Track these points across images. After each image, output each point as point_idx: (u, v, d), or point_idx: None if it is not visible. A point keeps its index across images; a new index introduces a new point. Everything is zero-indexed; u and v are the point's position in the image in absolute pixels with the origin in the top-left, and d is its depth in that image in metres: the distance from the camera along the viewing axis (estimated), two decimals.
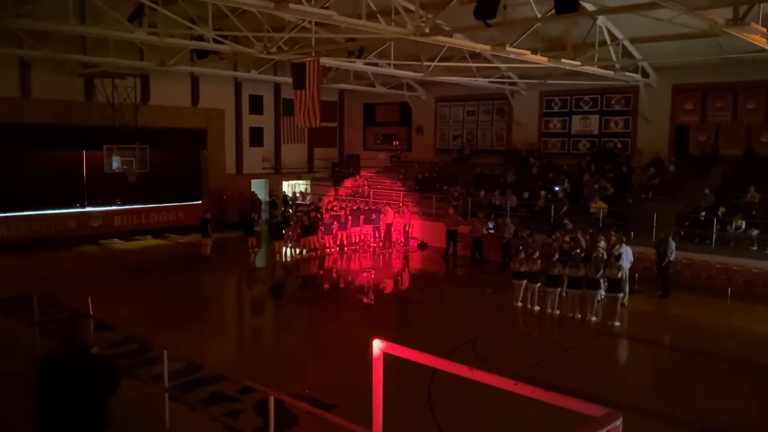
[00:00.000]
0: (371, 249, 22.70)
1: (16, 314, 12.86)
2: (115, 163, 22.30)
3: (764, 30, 11.88)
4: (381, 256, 21.93)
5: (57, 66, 21.55)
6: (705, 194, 18.88)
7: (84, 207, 23.55)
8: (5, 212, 21.29)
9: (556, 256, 14.86)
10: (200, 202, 26.16)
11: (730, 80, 20.33)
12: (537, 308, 14.53)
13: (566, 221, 19.17)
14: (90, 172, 23.61)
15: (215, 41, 16.54)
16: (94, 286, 15.95)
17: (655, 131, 22.35)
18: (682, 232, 18.04)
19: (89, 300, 10.64)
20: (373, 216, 23.15)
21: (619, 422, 2.78)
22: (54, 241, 21.71)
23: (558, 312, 14.24)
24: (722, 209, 17.99)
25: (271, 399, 6.45)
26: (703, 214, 18.14)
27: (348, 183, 28.89)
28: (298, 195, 29.04)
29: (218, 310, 15.95)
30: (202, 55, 18.94)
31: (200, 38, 16.72)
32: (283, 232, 20.89)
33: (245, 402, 8.71)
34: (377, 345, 3.91)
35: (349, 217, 22.53)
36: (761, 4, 11.78)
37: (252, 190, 28.09)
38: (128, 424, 6.95)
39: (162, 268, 19.47)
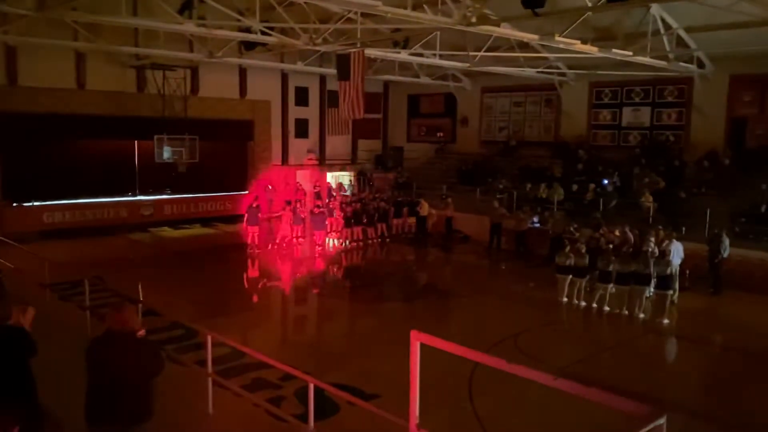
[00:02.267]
0: (411, 241, 22.66)
1: (70, 297, 13.33)
2: (166, 153, 22.84)
3: None
4: (421, 249, 21.86)
5: (110, 58, 22.16)
6: (762, 190, 18.16)
7: (135, 196, 24.20)
8: (61, 200, 22.06)
9: (610, 251, 14.50)
10: (247, 192, 26.58)
11: None
12: (583, 304, 14.26)
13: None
14: (141, 161, 24.23)
15: (262, 33, 16.71)
16: (143, 272, 16.40)
17: (710, 124, 21.59)
18: (737, 229, 17.40)
19: (138, 286, 10.95)
20: (416, 208, 23.12)
21: (662, 421, 2.69)
22: (106, 228, 22.39)
23: (606, 308, 13.93)
24: None
25: (311, 387, 6.51)
26: (764, 208, 17.45)
27: (391, 174, 28.89)
28: (341, 186, 29.17)
29: (262, 299, 16.18)
30: (249, 46, 19.20)
31: (248, 30, 16.93)
32: (327, 222, 21.04)
33: (287, 389, 8.82)
34: (414, 336, 3.89)
35: (391, 209, 22.53)
36: None
37: (297, 180, 28.38)
38: (172, 407, 7.11)
39: (209, 257, 19.87)
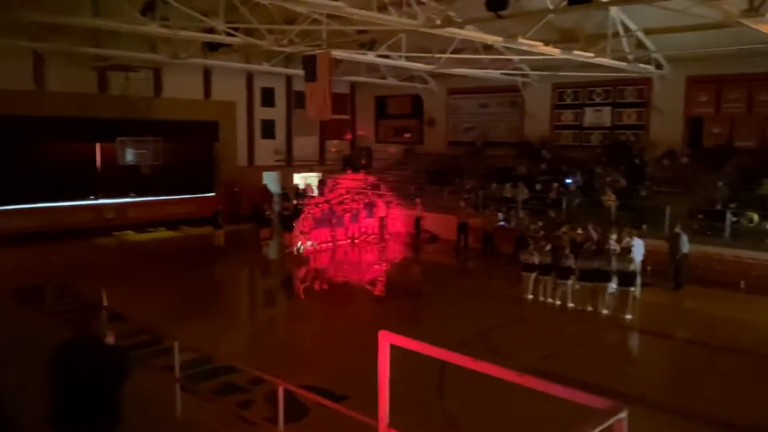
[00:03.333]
0: (381, 241, 22.74)
1: (32, 304, 13.04)
2: (129, 156, 22.49)
3: None
4: (390, 249, 21.95)
5: (70, 59, 21.70)
6: (719, 187, 18.72)
7: (98, 199, 23.77)
8: (20, 204, 21.54)
9: (568, 249, 14.79)
10: (213, 194, 26.33)
11: (745, 72, 20.06)
12: (549, 301, 14.51)
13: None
14: (104, 164, 23.82)
15: (227, 34, 16.57)
16: (107, 277, 16.14)
17: (669, 123, 22.14)
18: (696, 225, 17.91)
19: (103, 291, 10.78)
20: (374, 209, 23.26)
21: (623, 414, 2.79)
22: (68, 233, 21.91)
23: (570, 305, 14.20)
24: (736, 202, 17.84)
25: (281, 390, 6.51)
26: (720, 205, 17.99)
27: (360, 175, 28.94)
28: (308, 187, 29.10)
29: (230, 302, 16.07)
30: (214, 47, 18.96)
31: (212, 31, 16.75)
32: (295, 224, 20.96)
33: (256, 393, 8.80)
34: (383, 337, 3.94)
35: (362, 210, 22.58)
36: None
37: (264, 182, 28.21)
38: (140, 413, 7.03)
39: (175, 260, 19.63)
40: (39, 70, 21.63)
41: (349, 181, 28.36)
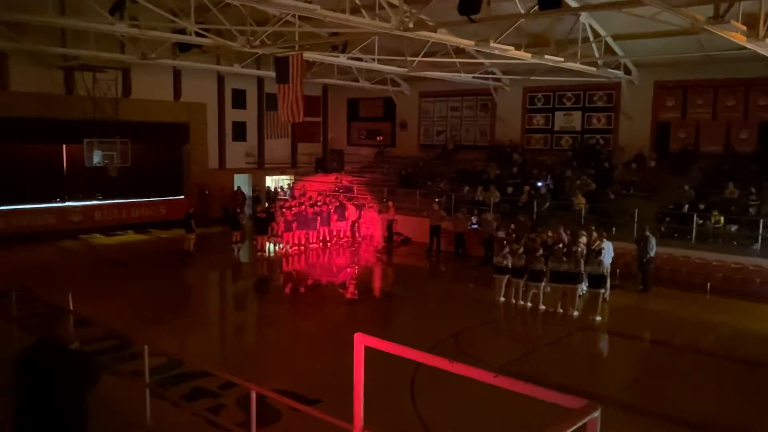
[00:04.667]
0: (353, 244, 22.70)
1: None
2: (96, 158, 22.08)
3: (744, 28, 12.00)
4: (362, 252, 21.92)
5: (36, 58, 21.26)
6: (685, 190, 19.10)
7: (64, 201, 23.31)
8: None
9: (540, 252, 14.93)
10: (182, 196, 26.00)
11: (710, 77, 20.57)
12: (520, 303, 14.62)
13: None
14: (70, 166, 23.36)
15: (197, 35, 16.38)
16: (74, 281, 15.81)
17: (637, 128, 22.55)
18: (663, 228, 18.25)
19: (69, 295, 10.55)
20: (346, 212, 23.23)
21: (597, 414, 2.81)
22: (33, 236, 21.44)
23: (541, 307, 14.33)
24: (702, 206, 18.23)
25: (253, 394, 6.42)
26: (687, 208, 18.35)
27: (332, 177, 28.86)
28: (279, 190, 28.93)
29: (201, 306, 15.86)
30: (184, 48, 18.78)
31: (182, 31, 16.55)
32: (268, 227, 20.80)
33: (227, 397, 8.68)
34: (358, 339, 3.91)
35: (334, 213, 22.51)
36: (741, 2, 11.91)
37: (236, 185, 27.95)
38: (109, 419, 6.89)
39: (144, 264, 19.32)
40: (3, 70, 21.11)
41: (321, 183, 28.27)
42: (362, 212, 23.53)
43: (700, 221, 17.91)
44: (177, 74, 25.83)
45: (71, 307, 10.10)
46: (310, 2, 12.68)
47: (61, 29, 19.46)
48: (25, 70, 21.42)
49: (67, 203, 23.32)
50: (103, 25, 15.40)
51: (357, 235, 23.13)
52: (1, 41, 18.25)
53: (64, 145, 23.23)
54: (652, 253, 16.27)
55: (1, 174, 21.15)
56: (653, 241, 16.27)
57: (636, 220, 18.23)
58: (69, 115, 22.01)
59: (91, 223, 23.60)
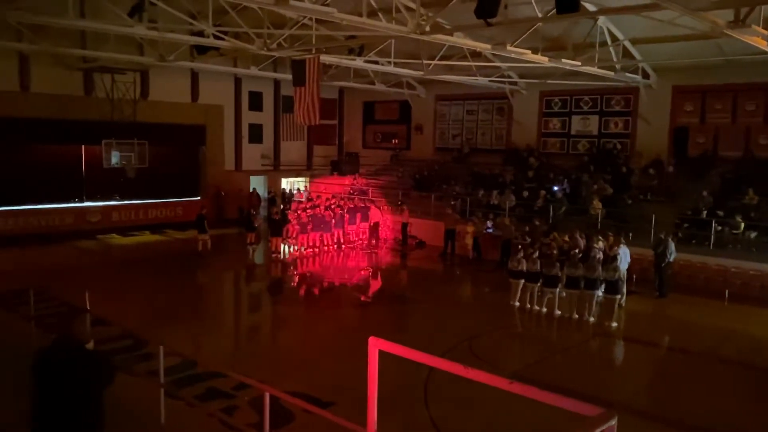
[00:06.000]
0: (368, 247, 22.70)
1: (14, 308, 12.85)
2: (114, 158, 22.31)
3: (765, 32, 11.88)
4: (378, 255, 21.92)
5: (56, 60, 21.52)
6: (703, 196, 18.89)
7: (82, 202, 23.55)
8: (4, 206, 21.27)
9: (556, 256, 14.82)
10: (198, 198, 26.17)
11: (730, 82, 20.34)
12: (535, 308, 14.53)
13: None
14: (88, 167, 23.60)
15: (215, 37, 16.52)
16: (91, 281, 15.94)
17: (655, 132, 22.36)
18: (680, 234, 18.05)
19: (86, 295, 10.63)
20: (369, 214, 23.23)
21: (614, 422, 2.78)
22: (52, 236, 21.68)
23: (557, 312, 14.22)
24: (721, 212, 18.02)
25: (267, 396, 6.43)
26: (705, 214, 18.15)
27: (347, 180, 28.91)
28: (295, 192, 29.03)
29: (215, 306, 15.94)
30: (201, 50, 18.94)
31: (200, 34, 16.70)
32: (283, 228, 20.87)
33: (241, 398, 8.70)
34: (373, 343, 3.91)
35: (347, 215, 22.54)
36: (762, 6, 11.77)
37: (252, 186, 28.09)
38: (124, 419, 6.93)
39: (159, 264, 19.46)
40: (24, 71, 21.39)
41: (336, 186, 28.32)
42: (384, 215, 23.47)
43: (719, 227, 17.69)
44: (194, 76, 26.03)
45: (88, 307, 10.16)
46: (327, 5, 12.73)
47: (81, 31, 19.74)
48: (46, 72, 21.70)
49: (85, 203, 23.57)
50: (122, 27, 15.57)
51: (375, 237, 23.06)
52: (23, 43, 18.57)
53: (82, 146, 23.48)
54: (671, 258, 16.10)
55: (21, 174, 21.43)
56: (672, 245, 16.10)
57: (653, 225, 18.05)
58: (88, 117, 22.26)
59: (108, 224, 23.83)
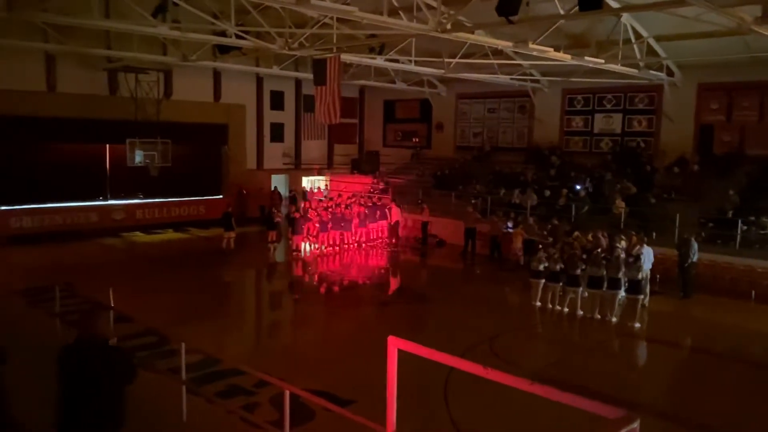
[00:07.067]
0: (388, 246, 22.70)
1: (39, 304, 13.07)
2: (138, 157, 22.58)
3: None
4: (398, 254, 21.91)
5: (81, 60, 21.84)
6: (729, 195, 18.57)
7: (107, 200, 23.87)
8: (30, 204, 21.64)
9: (579, 256, 14.66)
10: (221, 196, 26.39)
11: (757, 79, 19.96)
12: (557, 308, 14.41)
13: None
14: (113, 165, 23.92)
15: (237, 37, 16.62)
16: (115, 278, 16.18)
17: (679, 130, 22.03)
18: (704, 234, 17.77)
19: (110, 292, 10.80)
20: (389, 213, 23.20)
21: (636, 425, 2.74)
22: (76, 233, 22.01)
23: (579, 312, 14.09)
24: (747, 212, 17.70)
25: (287, 393, 6.47)
26: (731, 213, 17.85)
27: (368, 179, 28.94)
28: (315, 190, 29.13)
29: (237, 304, 16.07)
30: (224, 50, 19.08)
31: (222, 34, 16.83)
32: (304, 227, 20.96)
33: (261, 395, 8.76)
34: (392, 342, 3.90)
35: (367, 213, 22.56)
36: None
37: (273, 185, 28.26)
38: (145, 415, 7.02)
39: (182, 262, 19.66)
40: (51, 72, 21.75)
41: (357, 184, 28.36)
42: (403, 214, 23.44)
43: (745, 227, 17.38)
44: (217, 76, 26.25)
45: (112, 304, 10.31)
46: (347, 4, 12.74)
47: (106, 32, 20.00)
48: (72, 73, 22.04)
49: (110, 202, 23.89)
50: (145, 27, 15.74)
51: (395, 236, 23.03)
52: (49, 44, 18.87)
53: (107, 145, 23.80)
54: (695, 258, 15.85)
55: (47, 173, 21.80)
56: (695, 245, 15.85)
57: (678, 224, 17.79)
58: (112, 116, 22.55)
59: (132, 222, 24.13)
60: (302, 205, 23.99)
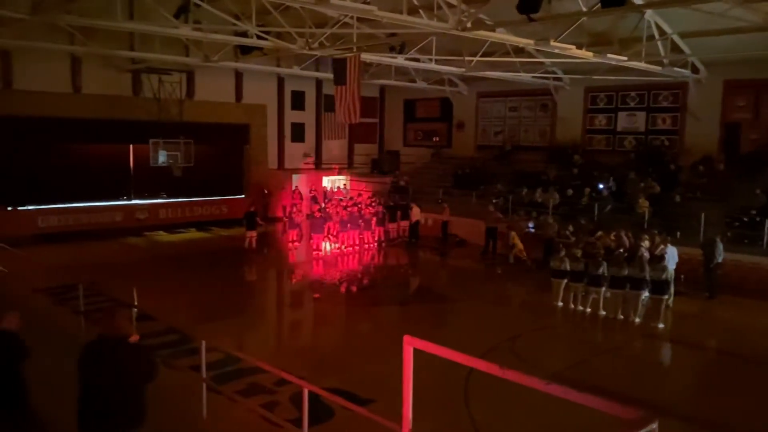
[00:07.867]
0: (408, 245, 22.67)
1: (64, 302, 13.29)
2: (161, 157, 22.83)
3: None
4: (418, 253, 21.87)
5: (106, 62, 22.16)
6: (756, 194, 18.23)
7: (130, 200, 24.19)
8: (55, 203, 22.02)
9: (602, 255, 14.51)
10: (243, 196, 26.60)
11: None
12: (579, 308, 14.27)
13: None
14: (136, 165, 24.24)
15: (258, 37, 16.73)
16: (138, 277, 16.36)
17: (704, 129, 21.67)
18: (730, 233, 17.45)
19: (133, 290, 10.93)
20: (410, 212, 23.17)
21: (654, 426, 2.70)
22: (101, 233, 22.34)
23: (601, 313, 13.94)
24: None
25: (306, 392, 6.49)
26: (757, 213, 17.51)
27: (388, 178, 28.93)
28: (336, 190, 29.20)
29: (257, 303, 16.16)
30: (245, 51, 19.23)
31: (244, 34, 16.95)
32: (324, 226, 21.03)
33: (282, 394, 8.80)
34: (408, 341, 3.89)
35: (387, 213, 22.56)
36: None
37: (294, 185, 28.38)
38: (166, 412, 7.09)
39: (205, 261, 19.84)
40: (76, 73, 22.10)
41: (377, 184, 28.37)
42: (423, 213, 23.41)
43: None
44: (238, 76, 26.46)
45: (135, 302, 10.43)
46: (367, 3, 12.75)
47: (130, 34, 20.27)
48: (96, 74, 22.38)
49: (133, 201, 24.21)
50: (168, 28, 15.91)
51: (415, 236, 22.99)
52: (75, 45, 19.18)
53: (130, 146, 24.13)
54: (720, 259, 15.58)
55: (72, 173, 22.19)
56: (721, 245, 15.58)
57: (702, 224, 17.50)
58: (135, 116, 22.83)
59: (155, 221, 24.42)
60: (322, 204, 24.11)
